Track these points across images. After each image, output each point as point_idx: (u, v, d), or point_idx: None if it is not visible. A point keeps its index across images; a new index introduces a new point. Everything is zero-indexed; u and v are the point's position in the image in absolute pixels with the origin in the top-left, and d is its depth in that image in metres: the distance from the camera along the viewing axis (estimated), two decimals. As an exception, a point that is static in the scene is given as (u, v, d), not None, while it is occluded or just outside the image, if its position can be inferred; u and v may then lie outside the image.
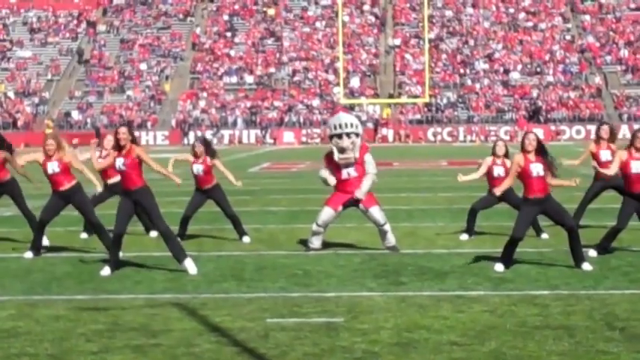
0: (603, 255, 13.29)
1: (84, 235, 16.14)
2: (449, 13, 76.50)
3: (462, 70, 70.85)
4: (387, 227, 14.14)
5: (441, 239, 15.54)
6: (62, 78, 73.48)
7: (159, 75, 72.98)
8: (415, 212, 19.76)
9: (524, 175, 12.21)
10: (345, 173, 14.12)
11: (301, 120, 67.03)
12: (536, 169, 12.17)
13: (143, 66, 73.54)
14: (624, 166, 13.19)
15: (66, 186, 13.84)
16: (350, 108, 65.05)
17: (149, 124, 67.70)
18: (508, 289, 11.00)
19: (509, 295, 10.67)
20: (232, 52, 74.26)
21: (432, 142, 64.00)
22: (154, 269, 12.77)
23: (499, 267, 12.25)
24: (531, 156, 12.23)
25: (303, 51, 73.60)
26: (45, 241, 14.75)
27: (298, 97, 69.16)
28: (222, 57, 73.85)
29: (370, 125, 64.89)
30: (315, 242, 14.28)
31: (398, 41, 74.15)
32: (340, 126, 14.09)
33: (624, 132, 57.32)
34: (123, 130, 12.62)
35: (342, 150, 14.04)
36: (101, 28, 78.31)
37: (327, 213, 14.20)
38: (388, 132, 65.51)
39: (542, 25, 74.79)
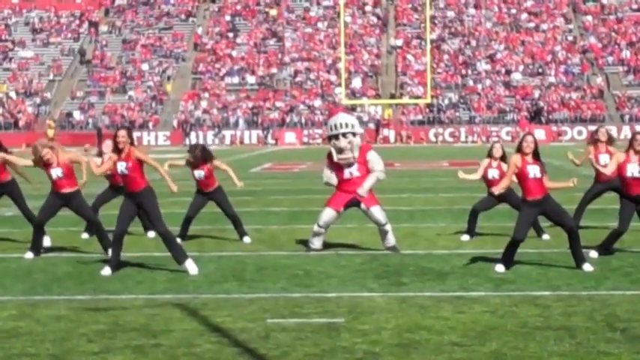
0: (604, 256, 13.28)
1: (85, 236, 16.15)
2: (451, 14, 76.49)
3: (463, 71, 70.84)
4: (388, 227, 14.14)
5: (442, 240, 15.53)
6: (64, 78, 73.51)
7: (161, 75, 72.99)
8: (416, 213, 19.76)
9: (521, 177, 12.21)
10: (347, 173, 14.13)
11: (303, 121, 67.03)
12: (533, 170, 12.16)
13: (145, 66, 73.57)
14: (620, 169, 13.19)
15: (68, 190, 13.92)
16: (351, 109, 65.06)
17: (151, 124, 67.71)
18: (509, 290, 11.00)
19: (510, 295, 10.67)
20: (234, 53, 74.28)
21: (433, 142, 63.98)
22: (154, 269, 12.77)
23: (500, 268, 12.25)
24: (528, 158, 12.22)
25: (304, 51, 73.62)
26: (46, 242, 14.78)
27: (300, 97, 69.17)
28: (224, 57, 73.87)
29: (372, 126, 64.87)
30: (316, 243, 14.29)
31: (400, 42, 74.16)
32: (336, 126, 14.14)
33: (626, 133, 57.34)
34: (122, 133, 12.62)
35: (340, 150, 14.06)
36: (103, 28, 78.35)
37: (328, 214, 14.20)
38: (390, 133, 65.49)
39: (544, 26, 74.76)
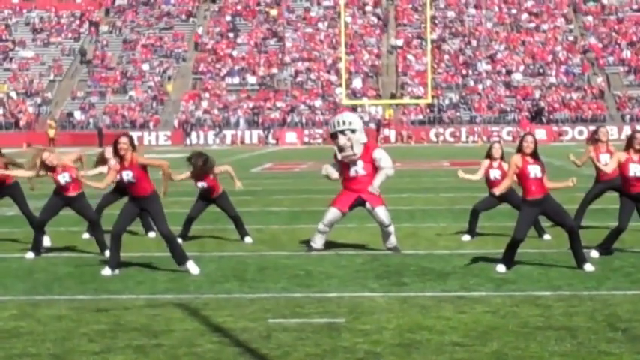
0: (605, 256, 13.29)
1: (86, 236, 16.14)
2: (451, 14, 76.47)
3: (464, 71, 70.82)
4: (391, 229, 14.15)
5: (443, 240, 15.53)
6: (64, 78, 73.51)
7: (161, 75, 72.98)
8: (417, 213, 19.76)
9: (521, 177, 12.22)
10: (352, 171, 14.17)
11: (303, 121, 67.01)
12: (534, 170, 12.17)
13: (145, 66, 73.55)
14: (622, 168, 13.21)
15: (73, 193, 13.98)
16: (352, 109, 65.03)
17: (151, 124, 67.69)
18: (510, 290, 11.00)
19: (512, 295, 10.67)
20: (235, 53, 74.27)
21: (434, 142, 63.97)
22: (156, 269, 12.78)
23: (501, 268, 12.26)
24: (529, 158, 12.23)
25: (305, 52, 73.60)
26: (46, 242, 14.79)
27: (300, 97, 69.15)
28: (225, 57, 73.85)
29: (372, 126, 64.87)
30: (318, 242, 14.29)
31: (400, 42, 74.14)
32: (335, 125, 14.23)
33: (627, 133, 57.30)
34: (124, 140, 12.47)
35: (340, 149, 14.12)
36: (104, 28, 78.33)
37: (333, 214, 14.21)
38: (390, 133, 65.48)
39: (545, 26, 74.73)
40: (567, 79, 69.57)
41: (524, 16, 76.27)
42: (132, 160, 12.41)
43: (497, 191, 12.85)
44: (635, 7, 76.16)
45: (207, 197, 15.68)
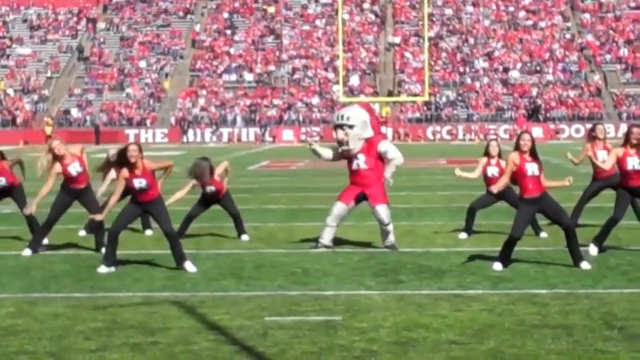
0: (602, 253, 13.29)
1: (82, 233, 16.14)
2: (449, 12, 76.46)
3: (461, 69, 70.82)
4: (390, 228, 14.15)
5: (440, 238, 15.54)
6: (62, 75, 73.43)
7: (158, 73, 72.93)
8: (414, 211, 19.76)
9: (519, 175, 12.22)
10: (355, 164, 14.22)
11: (301, 118, 66.99)
12: (532, 168, 12.18)
13: (143, 63, 73.50)
14: (620, 162, 13.29)
15: (82, 185, 14.00)
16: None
17: (148, 121, 67.64)
18: (507, 288, 11.00)
19: (508, 293, 10.68)
20: (232, 50, 74.24)
21: (431, 140, 63.98)
22: (152, 267, 12.77)
23: (497, 266, 12.26)
24: (526, 155, 12.24)
25: (302, 49, 73.58)
26: (44, 240, 14.77)
27: (298, 95, 69.13)
28: (222, 55, 73.81)
29: (370, 124, 64.80)
30: (326, 238, 14.26)
31: (398, 39, 74.12)
32: (336, 118, 14.38)
33: (624, 131, 57.32)
34: (133, 147, 12.43)
35: (339, 142, 14.18)
36: (101, 25, 78.26)
37: (339, 208, 14.22)
38: (387, 130, 65.48)
39: (542, 24, 74.76)
40: (564, 77, 69.60)
41: (522, 13, 76.28)
42: (143, 168, 12.38)
43: (495, 189, 12.85)
44: (632, 4, 76.16)
45: (212, 200, 15.67)
